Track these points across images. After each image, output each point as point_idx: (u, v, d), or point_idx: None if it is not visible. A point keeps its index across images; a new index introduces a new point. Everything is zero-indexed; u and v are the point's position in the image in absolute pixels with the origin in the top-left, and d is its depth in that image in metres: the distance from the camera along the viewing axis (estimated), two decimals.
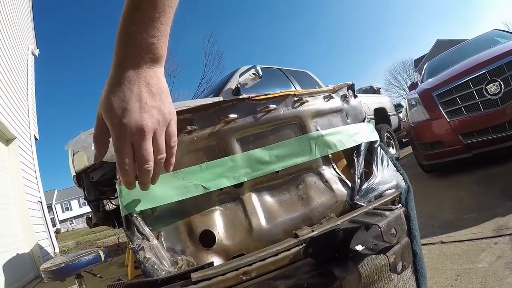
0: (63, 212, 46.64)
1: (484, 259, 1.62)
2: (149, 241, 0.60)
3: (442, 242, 1.99)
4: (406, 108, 3.83)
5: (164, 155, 0.55)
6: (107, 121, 0.52)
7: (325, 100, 0.86)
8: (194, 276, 0.51)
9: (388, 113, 6.39)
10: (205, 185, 0.66)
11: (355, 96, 0.95)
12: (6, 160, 5.96)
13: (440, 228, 2.22)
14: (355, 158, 0.84)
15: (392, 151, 5.95)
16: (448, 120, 3.15)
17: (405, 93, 33.22)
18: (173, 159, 0.57)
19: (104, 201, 2.23)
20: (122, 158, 0.52)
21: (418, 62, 34.57)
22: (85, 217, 2.85)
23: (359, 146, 0.85)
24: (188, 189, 0.65)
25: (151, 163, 0.53)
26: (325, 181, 0.79)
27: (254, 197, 0.72)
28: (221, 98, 3.10)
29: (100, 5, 72.41)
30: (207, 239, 0.64)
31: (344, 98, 0.92)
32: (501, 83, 2.85)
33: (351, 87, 0.94)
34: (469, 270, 1.57)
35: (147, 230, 0.61)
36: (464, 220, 2.18)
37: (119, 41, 0.50)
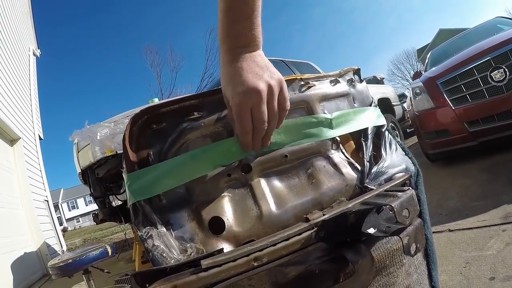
0: (69, 210, 46.95)
1: (493, 246, 1.61)
2: (157, 229, 0.59)
3: (450, 230, 1.98)
4: (410, 97, 3.80)
5: (278, 116, 0.64)
6: (228, 96, 0.62)
7: (332, 84, 0.85)
8: (204, 263, 0.50)
9: (392, 103, 6.33)
10: (212, 163, 0.65)
11: (361, 81, 0.93)
12: (11, 161, 5.99)
13: (447, 216, 2.21)
14: (363, 142, 0.82)
15: None
16: (453, 108, 3.12)
17: (408, 83, 33.03)
18: (282, 120, 0.66)
19: (110, 197, 2.23)
20: (243, 123, 0.62)
21: (421, 52, 34.20)
22: (91, 214, 2.86)
23: (366, 130, 0.84)
24: (194, 170, 0.64)
25: (266, 124, 0.62)
26: (335, 165, 0.78)
27: (263, 182, 0.71)
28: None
29: (101, 4, 72.34)
30: (216, 226, 0.63)
31: (351, 82, 0.90)
32: (506, 69, 2.81)
33: (357, 71, 0.92)
34: (478, 258, 1.56)
35: (155, 217, 0.60)
36: (471, 208, 2.17)
37: (225, 35, 0.60)
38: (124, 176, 0.64)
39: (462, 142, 3.17)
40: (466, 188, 2.60)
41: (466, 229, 1.92)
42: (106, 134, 0.81)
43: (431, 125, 3.41)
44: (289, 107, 0.66)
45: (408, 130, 7.85)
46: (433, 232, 1.98)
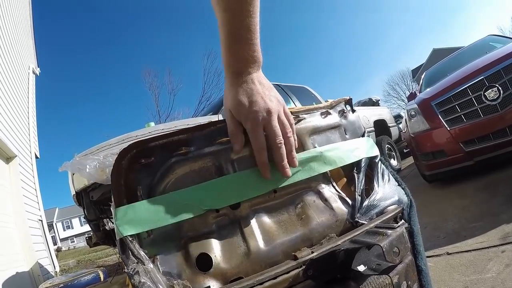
0: (64, 230, 46.31)
1: (492, 268, 1.58)
2: (144, 264, 0.58)
3: (448, 253, 1.95)
4: (405, 119, 3.83)
5: (290, 130, 0.68)
6: (239, 115, 0.66)
7: (322, 116, 0.84)
8: None
9: (388, 125, 6.39)
10: (202, 205, 0.64)
11: (353, 111, 0.93)
12: (6, 178, 5.94)
13: (445, 239, 2.19)
14: (355, 174, 0.81)
15: (394, 162, 5.94)
16: (448, 128, 3.14)
17: (404, 103, 33.41)
18: (294, 136, 0.70)
19: (104, 220, 2.21)
20: (257, 139, 0.65)
21: (415, 72, 34.78)
22: (85, 237, 2.82)
23: (359, 162, 0.82)
24: (184, 211, 0.63)
25: (282, 138, 0.66)
26: (325, 200, 0.76)
27: (251, 218, 0.70)
28: (220, 116, 3.08)
29: (102, 23, 73.48)
30: (203, 263, 0.62)
31: (342, 113, 0.90)
32: (500, 88, 2.85)
33: (348, 101, 0.92)
34: (477, 281, 1.53)
35: (142, 253, 0.59)
36: (469, 229, 2.15)
37: (231, 59, 0.66)
38: (113, 210, 0.64)
39: (459, 162, 3.18)
40: (463, 209, 2.59)
41: (465, 251, 1.89)
42: (96, 166, 0.81)
43: (427, 147, 3.42)
44: (294, 122, 0.72)
45: (405, 151, 7.90)
46: (431, 256, 1.97)
